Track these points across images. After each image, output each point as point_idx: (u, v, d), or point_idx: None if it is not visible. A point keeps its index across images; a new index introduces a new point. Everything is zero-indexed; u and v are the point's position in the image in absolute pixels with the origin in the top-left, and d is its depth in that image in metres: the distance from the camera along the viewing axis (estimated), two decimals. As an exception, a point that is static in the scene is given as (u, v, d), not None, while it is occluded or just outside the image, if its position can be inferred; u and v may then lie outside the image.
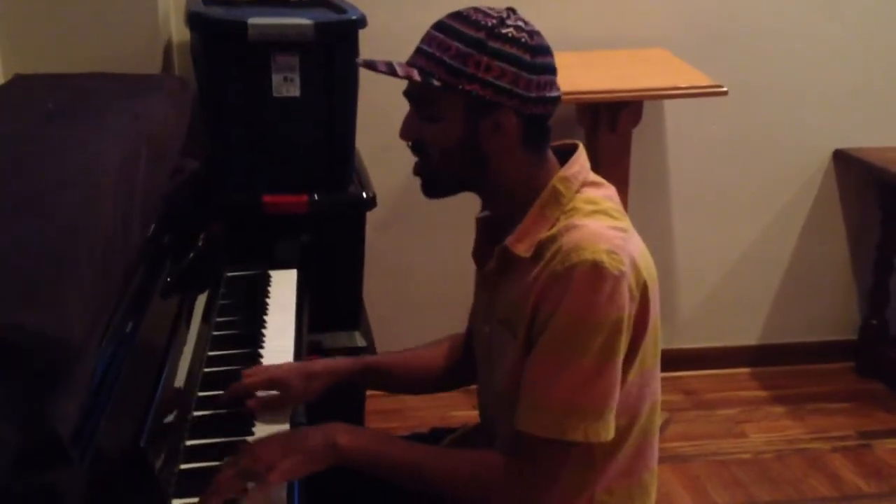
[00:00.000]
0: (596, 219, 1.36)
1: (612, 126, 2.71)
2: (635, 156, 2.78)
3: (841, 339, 3.38)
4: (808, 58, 3.08)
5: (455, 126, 1.37)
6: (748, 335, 3.37)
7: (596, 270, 1.29)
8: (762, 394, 3.22)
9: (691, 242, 3.16)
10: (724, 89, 2.62)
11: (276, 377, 1.59)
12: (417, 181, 3.11)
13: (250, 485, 1.31)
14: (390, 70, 1.37)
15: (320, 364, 1.66)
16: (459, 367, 1.70)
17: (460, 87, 1.34)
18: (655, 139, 3.07)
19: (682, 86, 2.64)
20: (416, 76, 1.35)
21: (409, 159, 2.90)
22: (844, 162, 3.18)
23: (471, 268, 3.03)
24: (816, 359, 3.36)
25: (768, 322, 3.36)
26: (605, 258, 1.29)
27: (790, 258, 3.30)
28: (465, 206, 2.94)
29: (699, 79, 2.66)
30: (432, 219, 3.00)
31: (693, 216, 3.17)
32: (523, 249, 1.38)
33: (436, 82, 1.34)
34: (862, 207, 3.26)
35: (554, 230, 1.37)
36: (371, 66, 1.39)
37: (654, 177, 3.10)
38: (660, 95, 2.78)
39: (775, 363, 3.35)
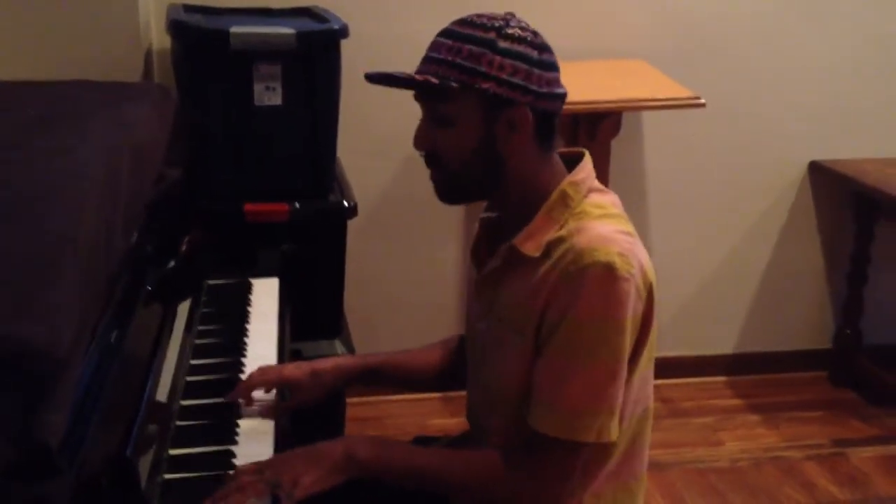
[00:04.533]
0: (605, 222, 1.40)
1: (592, 136, 2.73)
2: (614, 166, 2.81)
3: (815, 348, 3.41)
4: (784, 70, 3.12)
5: (471, 128, 1.39)
6: (724, 344, 3.40)
7: (608, 272, 1.32)
8: (738, 402, 3.25)
9: (668, 252, 3.18)
10: (703, 101, 2.65)
11: (286, 376, 1.64)
12: (398, 188, 3.13)
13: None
14: (408, 78, 1.39)
15: (328, 362, 1.70)
16: (456, 368, 1.71)
17: (476, 85, 1.36)
18: (634, 149, 3.10)
19: (662, 97, 2.67)
20: (434, 80, 1.37)
21: (388, 167, 2.95)
22: (820, 173, 3.22)
23: (450, 274, 3.06)
24: (791, 368, 3.39)
25: (744, 331, 3.39)
26: (616, 260, 1.32)
27: (766, 268, 3.33)
28: (444, 214, 2.96)
29: (678, 91, 2.68)
30: (411, 226, 3.01)
31: (670, 226, 3.20)
32: (532, 249, 1.40)
33: (453, 84, 1.36)
34: (837, 218, 3.29)
35: (563, 231, 1.39)
36: (389, 77, 1.40)
37: (633, 187, 3.12)
38: (639, 107, 2.81)
39: (751, 372, 3.37)
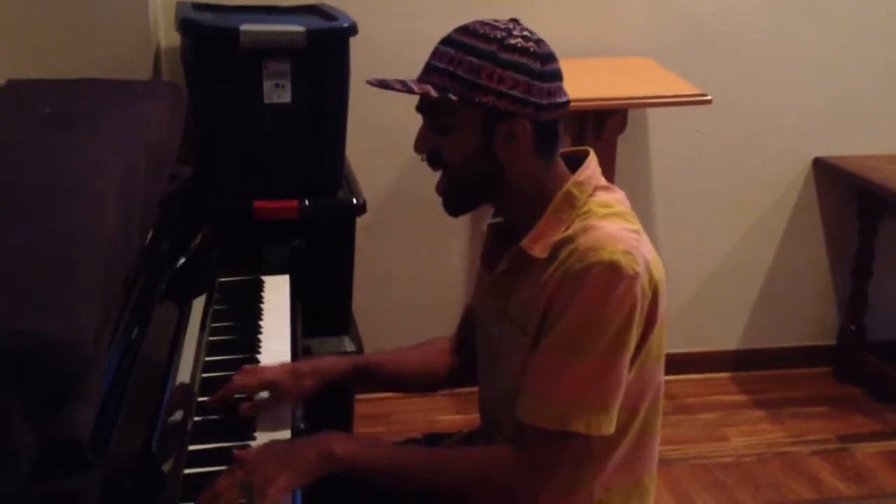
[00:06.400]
0: (611, 221, 1.40)
1: (598, 134, 2.74)
2: (620, 163, 2.82)
3: (820, 344, 3.43)
4: (789, 67, 3.13)
5: (470, 137, 1.40)
6: (729, 340, 3.41)
7: (613, 270, 1.33)
8: (743, 398, 3.26)
9: (674, 248, 3.18)
10: (709, 98, 2.65)
11: (266, 378, 1.61)
12: (406, 186, 3.14)
13: None
14: (406, 88, 1.39)
15: (309, 364, 1.68)
16: (447, 370, 1.72)
17: (476, 99, 1.36)
18: (640, 147, 3.10)
19: (668, 94, 2.68)
20: (433, 92, 1.37)
21: (396, 164, 2.95)
22: (824, 170, 3.23)
23: (457, 272, 3.07)
24: (796, 363, 3.40)
25: (748, 327, 3.40)
26: (621, 258, 1.33)
27: (770, 264, 3.34)
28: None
29: (684, 87, 2.69)
30: (418, 224, 3.01)
31: (675, 222, 3.21)
32: (539, 250, 1.41)
33: (453, 97, 1.37)
34: (841, 214, 3.30)
35: (570, 231, 1.40)
36: (385, 85, 1.41)
37: (638, 184, 3.13)
38: (645, 104, 2.81)
39: (755, 368, 3.39)
